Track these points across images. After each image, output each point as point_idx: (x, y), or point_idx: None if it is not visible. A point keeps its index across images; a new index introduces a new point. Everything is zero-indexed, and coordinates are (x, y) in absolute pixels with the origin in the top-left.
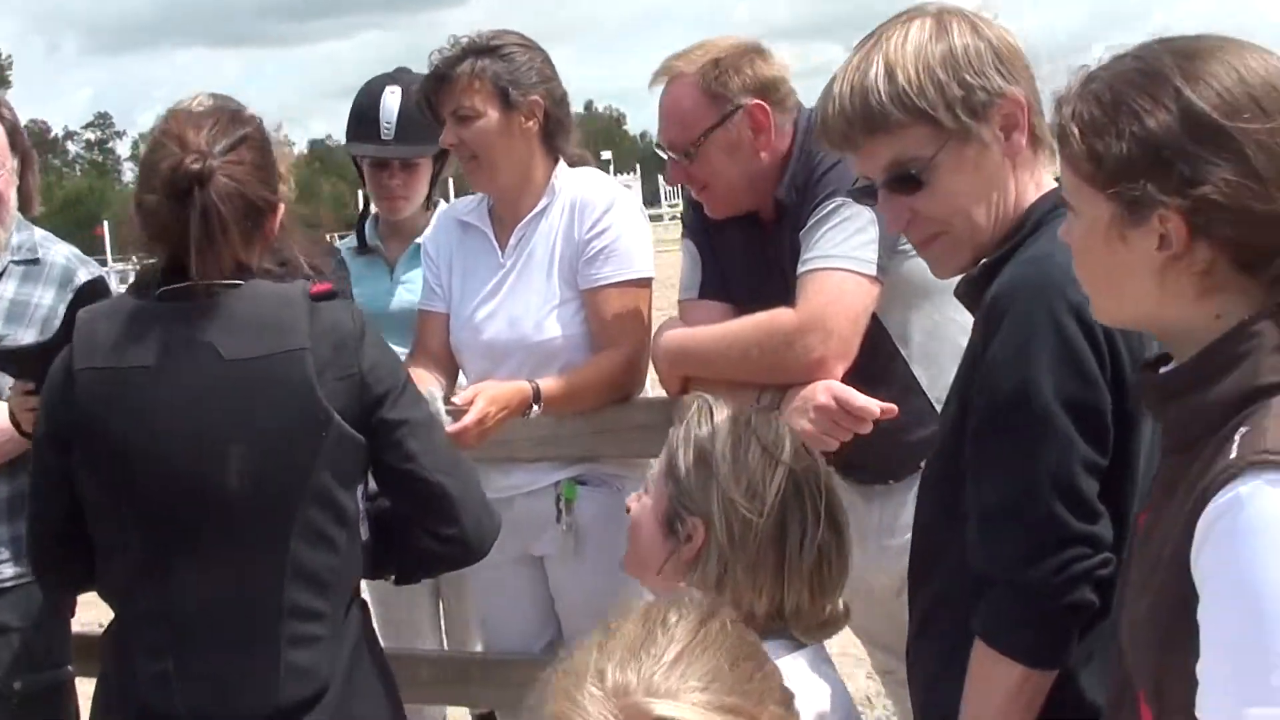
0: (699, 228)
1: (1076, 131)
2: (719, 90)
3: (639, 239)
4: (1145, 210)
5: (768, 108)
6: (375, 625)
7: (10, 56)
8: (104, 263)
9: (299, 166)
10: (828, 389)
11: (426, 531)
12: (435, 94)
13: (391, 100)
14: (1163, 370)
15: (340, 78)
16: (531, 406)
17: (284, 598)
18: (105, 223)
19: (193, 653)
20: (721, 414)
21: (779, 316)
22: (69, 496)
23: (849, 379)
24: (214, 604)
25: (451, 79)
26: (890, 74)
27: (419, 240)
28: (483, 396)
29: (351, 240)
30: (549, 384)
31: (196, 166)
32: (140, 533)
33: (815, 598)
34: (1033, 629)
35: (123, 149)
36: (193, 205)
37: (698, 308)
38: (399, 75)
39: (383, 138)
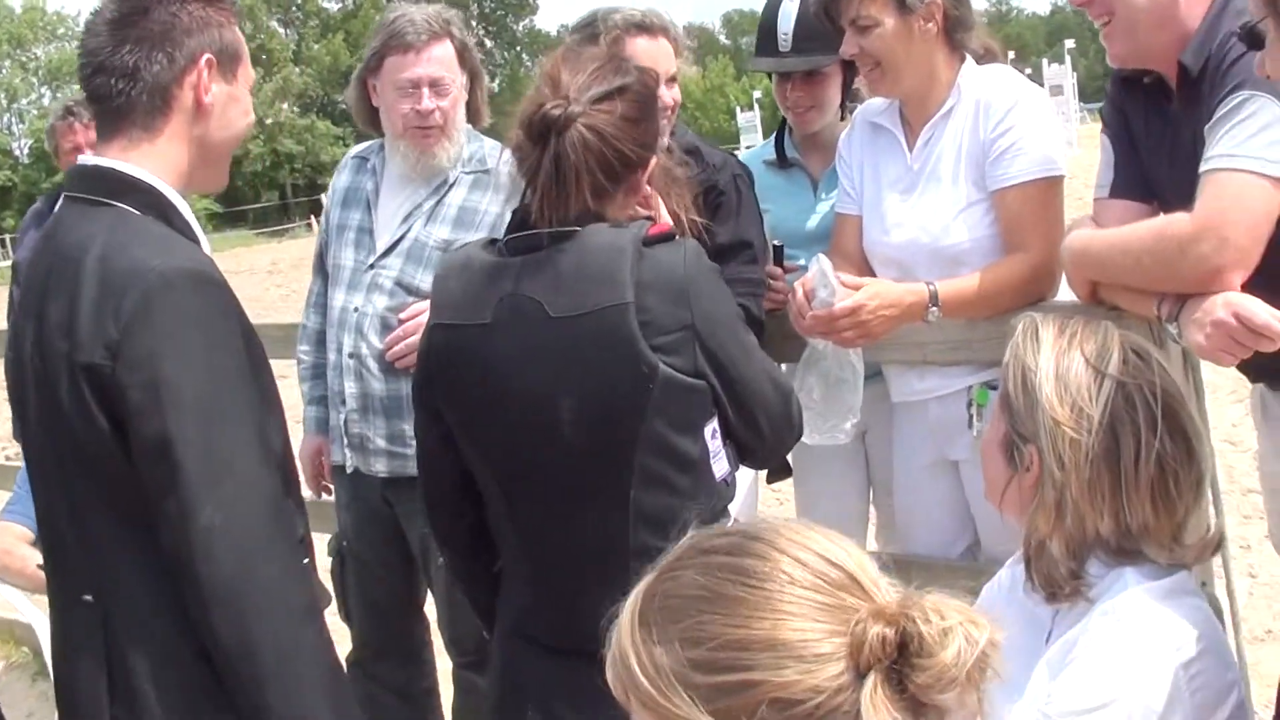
0: (1115, 122)
1: None
2: None
3: (1046, 136)
4: None
5: None
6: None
7: None
8: None
9: None
10: (1228, 303)
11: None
12: (831, 4)
13: (790, 9)
14: None
15: None
16: (929, 309)
17: (629, 540)
18: None
19: (552, 589)
20: (1047, 331)
21: (1173, 223)
22: (441, 432)
23: (1261, 288)
24: (567, 545)
25: None
26: None
27: None
28: (866, 290)
29: (767, 152)
30: (950, 286)
31: (556, 112)
32: (495, 478)
33: (1161, 512)
34: None
35: None
36: (547, 150)
37: (1108, 207)
38: None
39: (780, 50)
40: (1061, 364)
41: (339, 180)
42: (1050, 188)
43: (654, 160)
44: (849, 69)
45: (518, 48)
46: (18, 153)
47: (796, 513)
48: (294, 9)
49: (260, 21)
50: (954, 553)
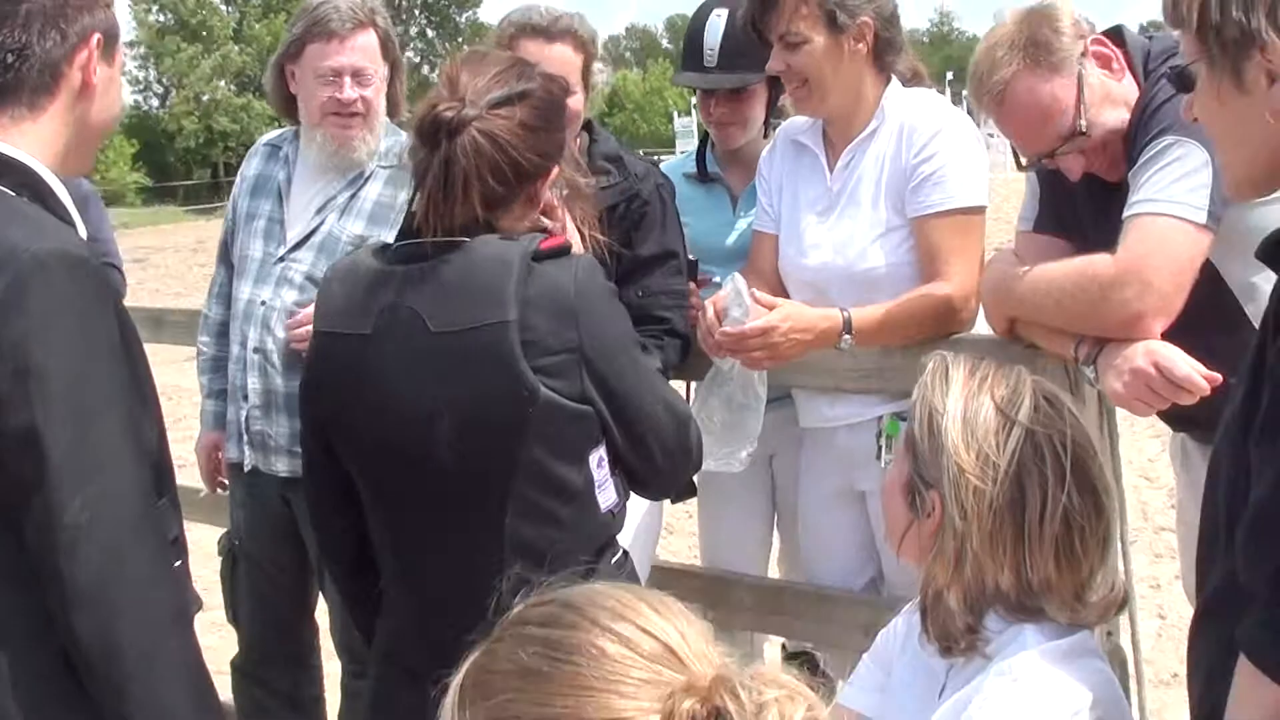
0: None
1: None
2: (1056, 60)
3: (970, 165)
4: None
5: (1103, 38)
6: (701, 546)
7: None
8: None
9: None
10: (1149, 353)
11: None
12: (760, 19)
13: (716, 24)
14: None
15: None
16: (842, 336)
17: (504, 571)
18: None
19: (423, 615)
20: (958, 372)
21: (1095, 264)
22: (325, 440)
23: (1180, 337)
24: (440, 571)
25: (777, 3)
26: None
27: None
28: (780, 311)
29: (688, 165)
30: (864, 314)
31: (449, 114)
32: (372, 494)
33: (1064, 569)
34: None
35: None
36: (437, 153)
37: (1030, 241)
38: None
39: (706, 65)
40: (970, 408)
41: (248, 168)
42: (971, 218)
43: (555, 170)
44: (774, 86)
45: (460, 39)
46: None
47: (699, 536)
48: None
49: None
50: (857, 585)
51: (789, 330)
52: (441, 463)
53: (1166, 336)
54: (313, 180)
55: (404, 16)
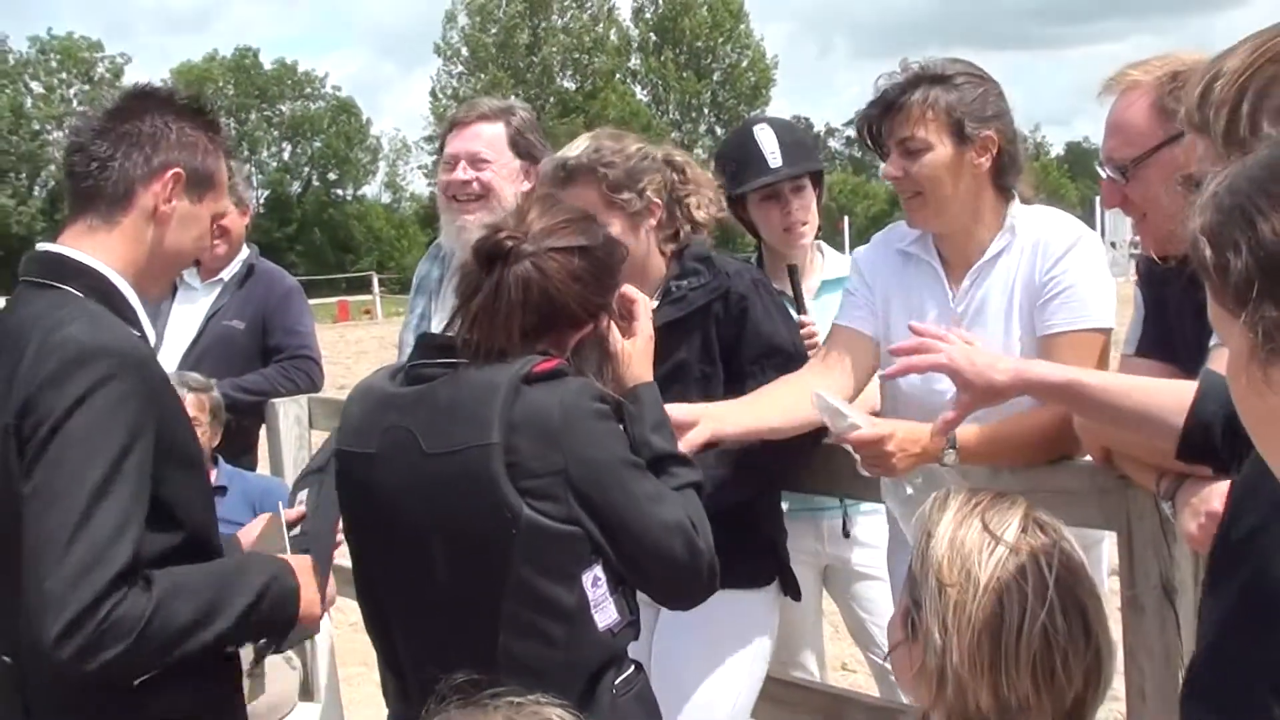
0: (1148, 274)
1: (1205, 245)
2: (1173, 107)
3: (1099, 285)
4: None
5: None
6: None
7: (777, 56)
8: None
9: (1050, 169)
10: (1226, 495)
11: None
12: (882, 121)
13: (766, 133)
14: None
15: None
16: (945, 451)
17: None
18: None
19: None
20: (955, 500)
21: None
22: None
23: None
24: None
25: (902, 107)
26: None
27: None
28: (891, 423)
29: None
30: (969, 431)
31: (510, 244)
32: (382, 606)
33: (1044, 691)
34: None
35: None
36: (490, 277)
37: (1131, 366)
38: (758, 117)
39: (772, 167)
40: (959, 530)
41: (420, 268)
42: (1094, 338)
43: (590, 328)
44: (817, 186)
45: None
46: (253, 202)
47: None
48: (536, 89)
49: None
50: None
51: (901, 441)
52: (439, 580)
53: None
54: None
55: (693, 115)
